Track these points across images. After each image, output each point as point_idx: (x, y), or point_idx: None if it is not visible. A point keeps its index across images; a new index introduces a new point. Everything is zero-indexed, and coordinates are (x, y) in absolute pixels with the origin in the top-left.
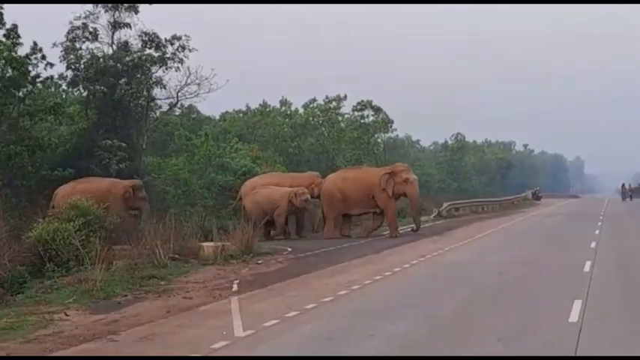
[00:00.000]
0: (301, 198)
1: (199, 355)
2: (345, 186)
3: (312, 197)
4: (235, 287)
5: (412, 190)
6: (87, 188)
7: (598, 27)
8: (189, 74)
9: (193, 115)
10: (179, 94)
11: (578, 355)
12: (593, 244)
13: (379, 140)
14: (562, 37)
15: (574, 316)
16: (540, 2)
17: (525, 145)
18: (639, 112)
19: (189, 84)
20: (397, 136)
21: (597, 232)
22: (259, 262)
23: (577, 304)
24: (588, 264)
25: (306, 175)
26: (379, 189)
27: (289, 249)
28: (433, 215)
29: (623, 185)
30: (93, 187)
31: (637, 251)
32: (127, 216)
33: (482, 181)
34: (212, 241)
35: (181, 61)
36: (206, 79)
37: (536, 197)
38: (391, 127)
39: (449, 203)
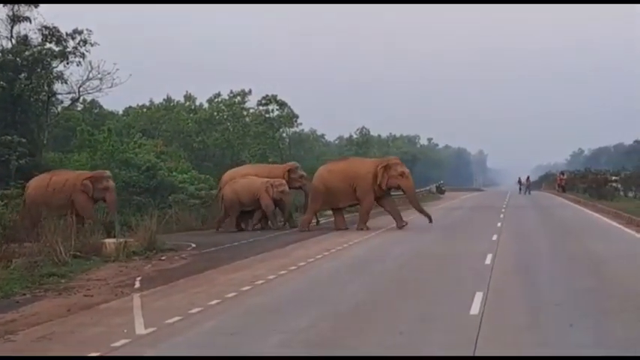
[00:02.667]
0: (278, 189)
1: (99, 354)
2: (330, 178)
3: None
4: (138, 284)
5: (408, 183)
6: (56, 180)
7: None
8: (91, 69)
9: (96, 110)
10: (80, 89)
11: (477, 346)
12: (495, 237)
13: (284, 135)
14: (461, 36)
15: (475, 309)
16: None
17: (429, 139)
18: (539, 109)
19: (91, 79)
20: (302, 130)
21: (499, 224)
22: (163, 258)
23: (478, 297)
24: (490, 256)
25: (284, 166)
26: (363, 181)
27: (193, 244)
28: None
29: (528, 178)
30: (61, 179)
31: (537, 242)
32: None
33: None
34: (115, 237)
35: (83, 56)
36: (108, 73)
37: (441, 191)
38: (296, 121)
39: None
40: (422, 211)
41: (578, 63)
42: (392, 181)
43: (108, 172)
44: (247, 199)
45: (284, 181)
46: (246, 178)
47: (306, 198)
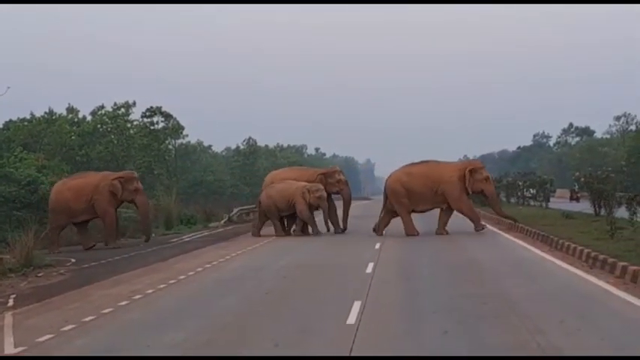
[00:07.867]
0: (315, 195)
1: None
2: (410, 181)
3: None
4: (11, 302)
5: (491, 188)
6: (77, 184)
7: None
8: None
9: None
10: None
11: (351, 355)
12: (378, 245)
13: (170, 146)
14: (348, 43)
15: (352, 318)
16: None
17: (317, 149)
18: (425, 118)
19: None
20: (189, 142)
21: (384, 232)
22: (40, 274)
23: (356, 306)
24: (371, 265)
25: (320, 170)
26: (450, 185)
27: (73, 260)
28: (224, 221)
29: None
30: (82, 182)
31: (419, 250)
32: (113, 211)
33: None
34: None
35: None
36: None
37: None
38: (182, 133)
39: (239, 208)
40: (502, 214)
41: (463, 72)
42: (477, 185)
43: (136, 173)
44: (283, 204)
45: (321, 186)
46: (283, 183)
47: (344, 204)
